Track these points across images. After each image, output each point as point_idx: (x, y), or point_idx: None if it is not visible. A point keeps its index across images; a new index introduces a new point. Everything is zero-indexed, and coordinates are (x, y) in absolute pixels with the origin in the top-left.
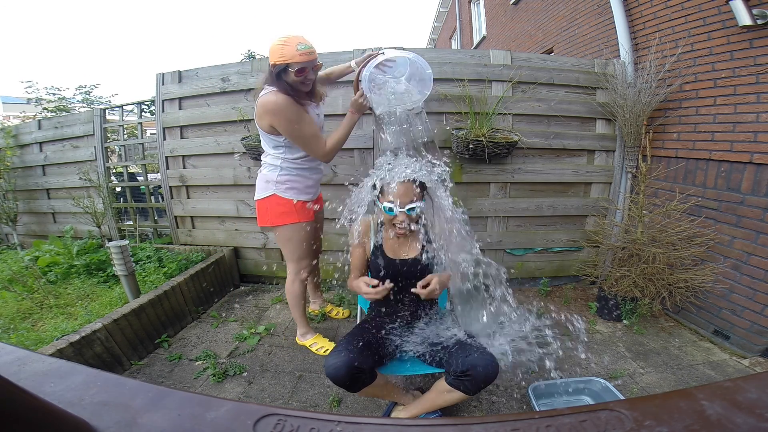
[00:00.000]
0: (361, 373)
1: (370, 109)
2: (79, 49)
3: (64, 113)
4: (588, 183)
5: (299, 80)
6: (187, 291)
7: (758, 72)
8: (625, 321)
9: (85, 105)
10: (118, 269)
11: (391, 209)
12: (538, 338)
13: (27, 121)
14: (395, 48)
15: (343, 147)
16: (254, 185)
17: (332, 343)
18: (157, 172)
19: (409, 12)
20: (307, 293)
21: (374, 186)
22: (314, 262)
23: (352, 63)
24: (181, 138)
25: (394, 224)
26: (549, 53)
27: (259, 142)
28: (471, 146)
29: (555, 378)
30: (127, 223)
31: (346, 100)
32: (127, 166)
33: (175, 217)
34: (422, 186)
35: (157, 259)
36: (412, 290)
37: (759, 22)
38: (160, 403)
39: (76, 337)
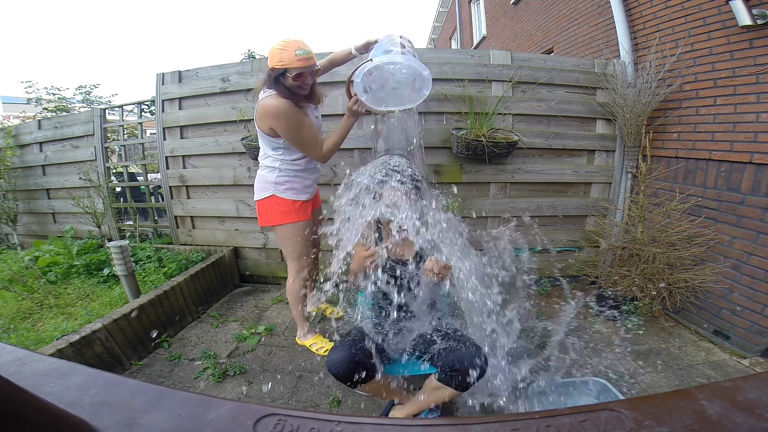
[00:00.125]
0: (362, 369)
1: (368, 111)
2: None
3: (64, 113)
4: (588, 183)
5: (297, 84)
6: (187, 291)
7: (758, 72)
8: (624, 321)
9: (85, 105)
10: (118, 269)
11: (388, 213)
12: (538, 338)
13: (27, 121)
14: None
15: (343, 147)
16: (254, 185)
17: (332, 343)
18: (157, 172)
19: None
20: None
21: (370, 190)
22: (314, 259)
23: (353, 49)
24: (181, 138)
25: (390, 227)
26: (549, 53)
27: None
28: (471, 146)
29: (555, 378)
30: (127, 223)
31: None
32: (127, 166)
33: (175, 217)
34: (417, 189)
35: (157, 259)
36: (425, 270)
37: (759, 22)
38: (160, 403)
39: (76, 337)
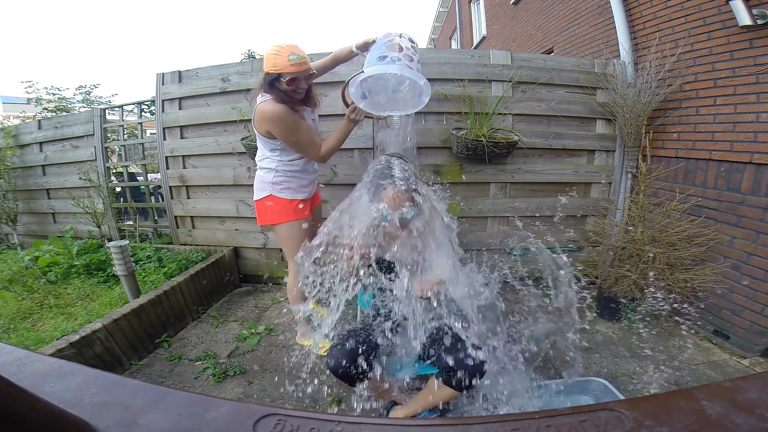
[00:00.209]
0: (363, 369)
1: (368, 116)
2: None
3: (64, 113)
4: (588, 183)
5: (291, 89)
6: (187, 291)
7: (758, 72)
8: (625, 321)
9: (85, 105)
10: (118, 269)
11: (385, 214)
12: (538, 338)
13: (27, 121)
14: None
15: (343, 147)
16: (253, 185)
17: (331, 343)
18: (157, 172)
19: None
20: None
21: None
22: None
23: (354, 48)
24: (181, 138)
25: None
26: (549, 53)
27: None
28: (471, 146)
29: (555, 378)
30: (127, 223)
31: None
32: (127, 166)
33: (175, 217)
34: (414, 193)
35: (157, 259)
36: (417, 297)
37: (759, 22)
38: (160, 403)
39: (76, 337)
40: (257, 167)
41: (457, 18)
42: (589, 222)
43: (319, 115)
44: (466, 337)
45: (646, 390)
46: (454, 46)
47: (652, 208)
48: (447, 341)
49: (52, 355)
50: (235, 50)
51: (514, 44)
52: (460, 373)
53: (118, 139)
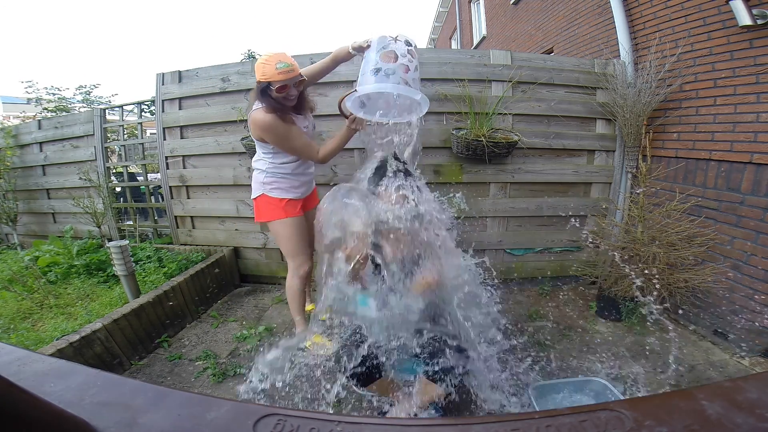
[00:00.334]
0: (374, 370)
1: (369, 122)
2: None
3: (64, 113)
4: (588, 183)
5: (282, 96)
6: (187, 291)
7: (758, 72)
8: (625, 321)
9: (85, 105)
10: (118, 269)
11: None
12: (538, 338)
13: (27, 121)
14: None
15: (344, 147)
16: None
17: (331, 342)
18: (157, 172)
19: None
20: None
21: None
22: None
23: (350, 49)
24: (181, 138)
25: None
26: (549, 53)
27: None
28: (471, 146)
29: (555, 378)
30: (127, 223)
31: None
32: (127, 166)
33: (175, 217)
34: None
35: (157, 259)
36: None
37: (759, 22)
38: (160, 403)
39: (76, 337)
40: (252, 167)
41: (457, 18)
42: (590, 222)
43: (320, 115)
44: (453, 336)
45: (646, 390)
46: (454, 46)
47: (652, 208)
48: (434, 340)
49: (52, 355)
50: (235, 50)
51: (514, 44)
52: (445, 371)
53: (118, 139)
